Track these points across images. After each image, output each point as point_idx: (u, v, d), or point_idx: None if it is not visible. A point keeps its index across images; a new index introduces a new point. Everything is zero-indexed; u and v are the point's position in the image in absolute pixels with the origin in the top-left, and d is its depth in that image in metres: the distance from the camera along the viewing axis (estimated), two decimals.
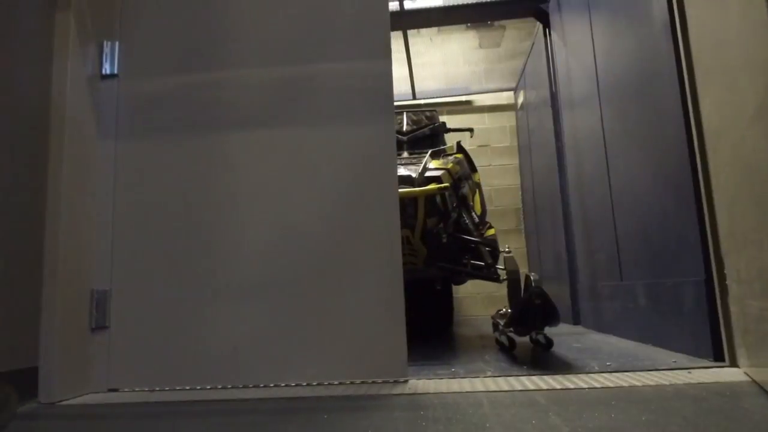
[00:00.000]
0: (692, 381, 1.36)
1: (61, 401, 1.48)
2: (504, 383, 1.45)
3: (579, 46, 2.90)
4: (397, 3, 3.68)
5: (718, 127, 1.57)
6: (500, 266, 2.41)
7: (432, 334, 3.10)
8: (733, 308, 1.49)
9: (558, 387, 1.37)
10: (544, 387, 1.37)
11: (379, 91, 1.70)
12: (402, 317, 1.61)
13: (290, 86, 1.73)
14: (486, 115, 5.25)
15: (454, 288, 4.73)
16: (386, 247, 1.63)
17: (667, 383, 1.35)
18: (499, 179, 5.12)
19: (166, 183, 1.72)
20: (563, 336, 2.63)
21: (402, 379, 1.55)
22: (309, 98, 1.72)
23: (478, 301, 4.91)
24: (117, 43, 1.78)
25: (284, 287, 1.64)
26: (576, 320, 3.28)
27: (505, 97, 5.23)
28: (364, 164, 1.68)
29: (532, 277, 1.92)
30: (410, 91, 5.10)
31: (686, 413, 1.04)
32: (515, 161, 5.11)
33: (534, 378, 1.50)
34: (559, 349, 2.13)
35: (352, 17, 1.74)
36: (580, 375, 1.53)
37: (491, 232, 2.71)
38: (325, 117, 1.71)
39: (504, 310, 2.51)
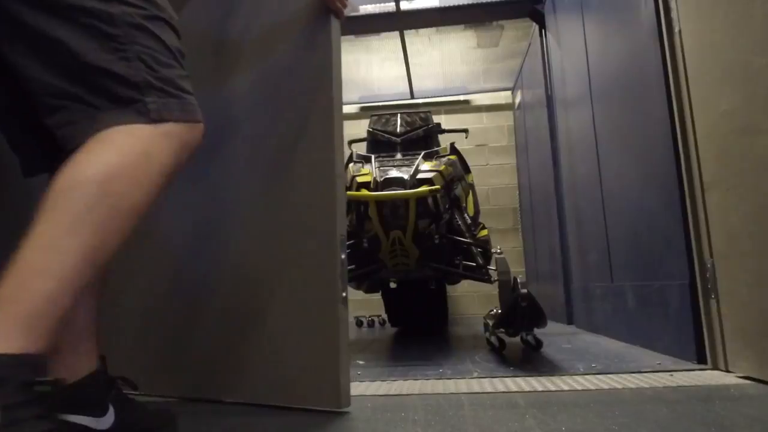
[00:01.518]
0: (672, 384, 1.38)
1: None
2: (488, 385, 1.48)
3: (572, 48, 2.92)
4: (394, 4, 3.69)
5: (706, 128, 1.60)
6: (492, 267, 2.43)
7: (426, 334, 3.13)
8: (726, 311, 1.51)
9: (540, 389, 1.39)
10: (527, 389, 1.40)
11: (318, 88, 1.37)
12: (338, 341, 1.25)
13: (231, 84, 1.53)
14: (484, 114, 5.26)
15: (451, 287, 4.76)
16: (323, 264, 1.29)
17: (647, 386, 1.37)
18: (496, 178, 5.14)
19: None
20: (555, 336, 2.65)
21: (339, 410, 1.22)
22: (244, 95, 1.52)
23: (475, 299, 4.93)
24: None
25: (222, 301, 1.47)
26: (570, 320, 3.30)
27: (503, 97, 5.24)
28: (298, 168, 1.39)
29: (518, 280, 1.95)
30: (408, 90, 5.11)
31: (660, 417, 1.06)
32: (513, 160, 5.13)
33: (518, 380, 1.53)
34: (549, 349, 2.16)
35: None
36: (563, 377, 1.55)
37: (484, 233, 2.73)
38: (260, 115, 1.47)
39: (495, 310, 2.53)
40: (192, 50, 1.56)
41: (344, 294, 1.26)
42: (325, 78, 1.35)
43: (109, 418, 0.95)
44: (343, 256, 1.27)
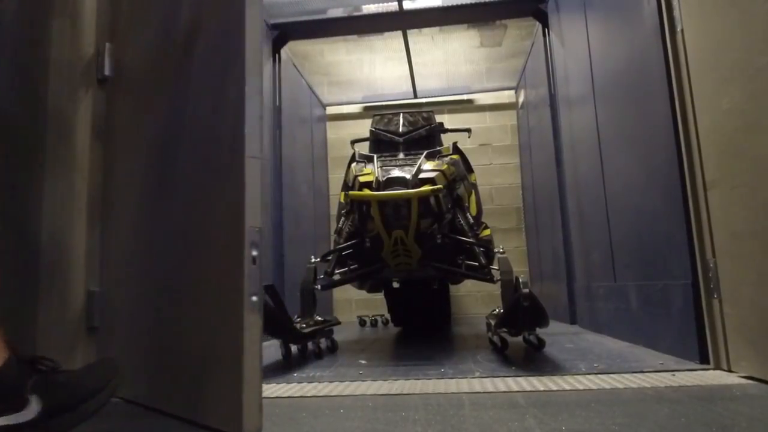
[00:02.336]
0: (674, 384, 1.37)
1: None
2: (489, 384, 1.48)
3: (575, 47, 2.91)
4: (396, 3, 3.69)
5: (709, 127, 1.59)
6: (495, 267, 2.43)
7: (428, 334, 3.12)
8: (729, 310, 1.50)
9: (541, 388, 1.39)
10: (528, 388, 1.40)
11: (228, 49, 1.21)
12: (242, 355, 1.05)
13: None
14: (487, 113, 5.25)
15: (454, 287, 4.75)
16: (227, 262, 1.13)
17: (648, 386, 1.37)
18: (500, 178, 5.13)
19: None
20: (558, 336, 2.65)
21: None
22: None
23: (479, 299, 4.93)
24: (114, 47, 1.81)
25: (154, 305, 1.43)
26: (573, 320, 3.29)
27: (507, 96, 5.23)
28: (208, 150, 1.25)
29: (520, 280, 1.95)
30: (411, 89, 5.11)
31: (660, 417, 1.06)
32: (516, 160, 5.11)
33: (519, 379, 1.53)
34: (551, 349, 2.15)
35: None
36: (565, 376, 1.55)
37: (486, 232, 2.73)
38: (180, 108, 1.40)
39: (497, 310, 2.53)
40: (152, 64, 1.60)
41: (254, 298, 1.08)
42: (236, 34, 1.17)
43: (32, 409, 0.88)
44: (254, 253, 1.09)
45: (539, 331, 2.14)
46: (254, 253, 1.10)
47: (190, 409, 1.21)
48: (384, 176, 2.31)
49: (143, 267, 1.49)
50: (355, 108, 5.38)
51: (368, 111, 5.29)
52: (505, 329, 2.11)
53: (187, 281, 1.28)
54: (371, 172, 2.38)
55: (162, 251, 1.40)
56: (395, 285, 3.28)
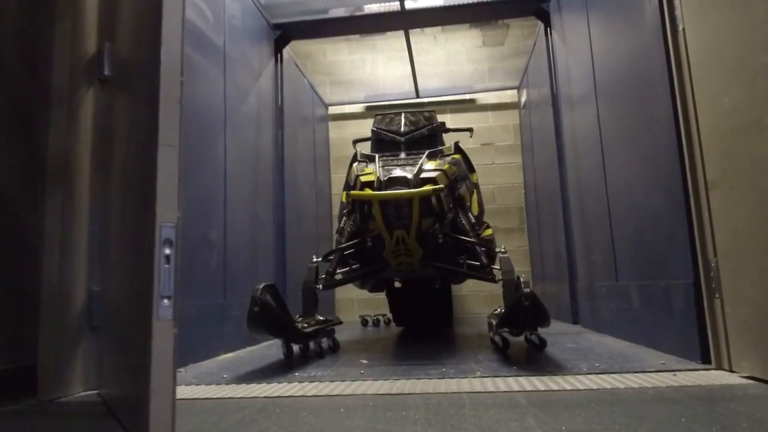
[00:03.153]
0: (675, 384, 1.37)
1: (59, 398, 1.53)
2: (490, 384, 1.47)
3: (578, 46, 2.91)
4: (398, 3, 3.68)
5: (710, 126, 1.58)
6: (496, 266, 2.43)
7: (430, 334, 3.12)
8: (730, 310, 1.50)
9: (542, 388, 1.39)
10: (529, 388, 1.40)
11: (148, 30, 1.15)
12: (150, 364, 0.95)
13: None
14: (489, 113, 5.25)
15: (456, 286, 4.75)
16: (138, 263, 1.08)
17: (649, 386, 1.36)
18: (502, 177, 5.12)
19: None
20: (559, 335, 2.64)
21: None
22: None
23: (480, 299, 4.92)
24: (113, 46, 1.81)
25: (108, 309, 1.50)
26: (575, 319, 3.29)
27: (509, 96, 5.23)
28: (133, 144, 1.22)
29: (521, 279, 1.94)
30: (413, 89, 5.11)
31: (660, 417, 1.06)
32: (518, 159, 5.11)
33: (520, 379, 1.53)
34: (553, 348, 2.15)
35: None
36: (566, 376, 1.55)
37: (488, 232, 2.73)
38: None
39: (498, 310, 2.53)
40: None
41: (165, 302, 0.97)
42: (156, 11, 1.07)
43: None
44: (167, 251, 0.99)
45: (541, 330, 2.14)
46: (167, 251, 1.00)
47: (122, 415, 1.20)
48: (385, 176, 2.31)
49: (120, 266, 1.49)
50: (357, 108, 5.38)
51: (370, 111, 5.30)
52: (506, 329, 2.11)
53: (127, 283, 1.23)
54: (373, 171, 2.38)
55: (126, 250, 1.39)
56: (397, 285, 3.28)
